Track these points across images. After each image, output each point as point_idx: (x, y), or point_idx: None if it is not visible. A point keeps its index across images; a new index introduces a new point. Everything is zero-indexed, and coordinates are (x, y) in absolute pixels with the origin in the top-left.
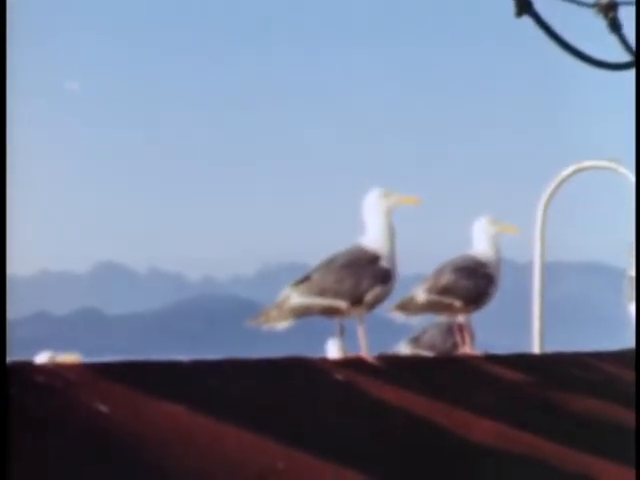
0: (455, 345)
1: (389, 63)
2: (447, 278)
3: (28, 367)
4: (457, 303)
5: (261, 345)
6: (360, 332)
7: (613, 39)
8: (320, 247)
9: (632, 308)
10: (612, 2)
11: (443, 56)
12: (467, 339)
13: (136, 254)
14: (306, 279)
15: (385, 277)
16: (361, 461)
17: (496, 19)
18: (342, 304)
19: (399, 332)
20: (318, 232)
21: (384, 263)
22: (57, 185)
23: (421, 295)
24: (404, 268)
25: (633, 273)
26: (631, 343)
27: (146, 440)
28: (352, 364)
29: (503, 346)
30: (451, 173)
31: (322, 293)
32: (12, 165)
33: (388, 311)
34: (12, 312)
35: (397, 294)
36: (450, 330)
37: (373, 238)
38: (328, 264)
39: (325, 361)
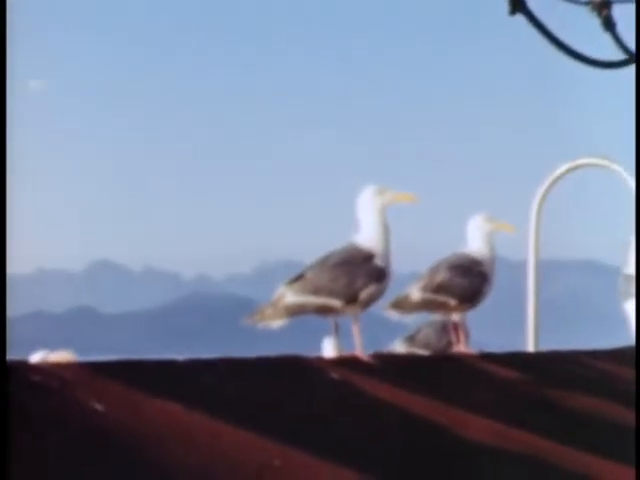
0: (450, 343)
1: (385, 62)
2: (442, 276)
3: (24, 366)
4: (452, 301)
5: (257, 343)
6: (355, 330)
7: (607, 37)
8: (316, 245)
9: (627, 306)
10: (606, 0)
11: (438, 55)
12: (462, 337)
13: (132, 253)
14: (300, 277)
15: (380, 275)
16: (357, 459)
17: (490, 17)
18: (337, 303)
19: (394, 330)
20: (314, 230)
21: (378, 261)
22: (52, 184)
23: (416, 293)
24: (399, 266)
25: (628, 271)
26: (626, 341)
27: (142, 439)
28: (347, 363)
29: (498, 344)
30: (446, 171)
31: (316, 292)
32: (7, 164)
33: (383, 309)
34: (7, 310)
35: (392, 292)
36: (445, 328)
37: (367, 236)
38: (322, 262)
39: (320, 360)
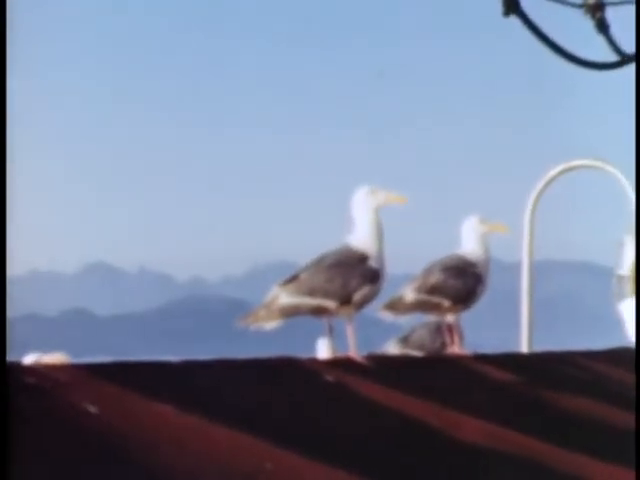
0: (444, 345)
1: (379, 64)
2: (436, 277)
3: (18, 368)
4: (446, 302)
5: (251, 345)
6: (349, 332)
7: (601, 39)
8: (309, 246)
9: (621, 307)
10: (599, 2)
11: (433, 56)
12: (456, 339)
13: (125, 254)
14: (294, 279)
15: (374, 277)
16: (350, 461)
17: (484, 18)
18: (331, 304)
19: (388, 332)
20: (307, 231)
21: (372, 263)
22: (45, 185)
23: (410, 294)
24: (393, 267)
25: (622, 271)
26: (620, 342)
27: (136, 440)
28: (341, 364)
29: (492, 345)
30: (440, 172)
31: (310, 293)
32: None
33: (377, 311)
34: (6, 312)
35: (386, 293)
36: (439, 330)
37: (361, 237)
38: (316, 264)
39: (314, 361)
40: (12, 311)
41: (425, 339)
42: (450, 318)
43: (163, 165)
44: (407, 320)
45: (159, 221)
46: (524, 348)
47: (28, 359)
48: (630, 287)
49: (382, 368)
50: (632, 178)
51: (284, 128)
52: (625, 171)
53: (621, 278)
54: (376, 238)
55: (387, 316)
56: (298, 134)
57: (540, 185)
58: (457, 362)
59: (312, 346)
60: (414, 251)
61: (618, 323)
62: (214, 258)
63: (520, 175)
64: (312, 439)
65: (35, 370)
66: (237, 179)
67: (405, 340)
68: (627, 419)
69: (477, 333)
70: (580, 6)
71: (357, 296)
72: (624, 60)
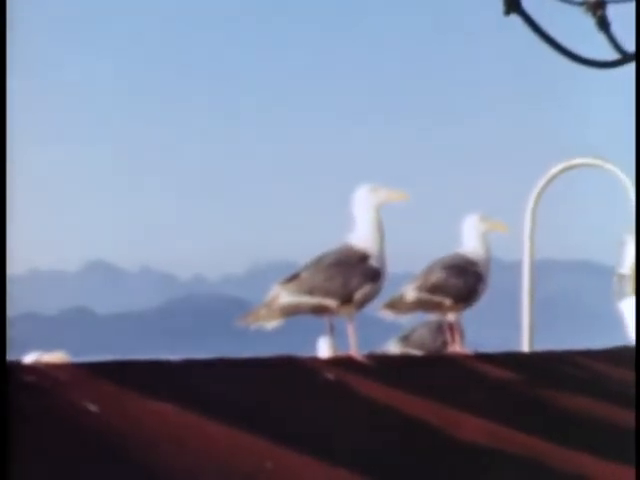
0: (445, 344)
1: (378, 62)
2: (437, 276)
3: (18, 367)
4: (447, 301)
5: (251, 344)
6: (350, 331)
7: (601, 37)
8: (310, 245)
9: (622, 306)
10: (600, 0)
11: (433, 55)
12: (457, 337)
13: (126, 253)
14: (295, 277)
15: (374, 275)
16: (351, 460)
17: (485, 16)
18: (331, 303)
19: (389, 331)
20: (308, 230)
21: (373, 261)
22: (45, 184)
23: (411, 293)
24: (393, 266)
25: (622, 270)
26: (620, 341)
27: (135, 439)
28: (342, 363)
29: (493, 344)
30: (441, 171)
31: (311, 292)
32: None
33: (377, 310)
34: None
35: (386, 292)
36: (440, 328)
37: (362, 236)
38: (317, 262)
39: (315, 360)
40: (12, 310)
41: (426, 338)
42: (451, 317)
43: (164, 164)
44: (408, 319)
45: (160, 220)
46: (525, 347)
47: (29, 358)
48: (631, 286)
49: (383, 367)
50: (633, 176)
51: (285, 127)
52: (626, 169)
53: (622, 277)
54: (377, 237)
55: (388, 315)
56: (299, 133)
57: (541, 183)
58: (458, 361)
59: (313, 345)
60: (415, 250)
61: (618, 322)
62: (214, 257)
63: (521, 173)
64: (312, 438)
65: (35, 369)
66: (238, 178)
67: (406, 339)
68: (627, 418)
69: (478, 332)
70: (581, 4)
71: (358, 295)
72: (625, 58)
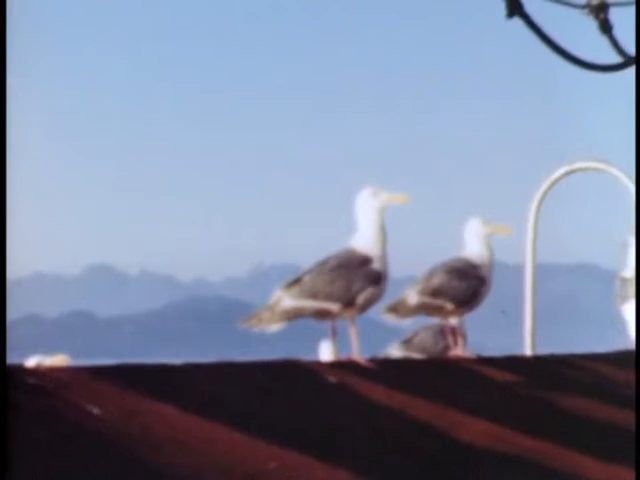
0: (447, 347)
1: (380, 65)
2: (439, 280)
3: (21, 370)
4: (449, 305)
5: (254, 347)
6: (352, 334)
7: (604, 40)
8: (312, 248)
9: (624, 309)
10: (603, 3)
11: (436, 57)
12: (459, 341)
13: (127, 256)
14: (297, 281)
15: (377, 279)
16: (354, 463)
17: (488, 20)
18: (334, 306)
19: (391, 334)
20: (310, 233)
21: (376, 265)
22: (46, 187)
23: (413, 297)
24: (396, 270)
25: (625, 274)
26: (623, 344)
27: (138, 442)
28: (344, 366)
29: (495, 347)
30: (443, 174)
31: (314, 295)
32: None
33: (380, 313)
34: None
35: (389, 296)
36: (442, 332)
37: (364, 239)
38: (319, 266)
39: (317, 363)
40: (14, 312)
41: (428, 342)
42: (453, 320)
43: (165, 166)
44: (410, 323)
45: (161, 223)
46: (527, 350)
47: (31, 361)
48: (633, 289)
49: (385, 371)
50: (634, 180)
51: (287, 130)
52: (628, 173)
53: (625, 280)
54: (379, 240)
55: (390, 319)
56: (301, 136)
57: (544, 187)
58: (460, 364)
59: (315, 348)
60: (417, 253)
61: (621, 325)
62: (216, 260)
63: (523, 177)
64: (315, 441)
65: (37, 372)
66: (239, 181)
67: (408, 343)
68: (629, 420)
69: (480, 335)
70: (583, 7)
71: (360, 298)
72: (627, 61)
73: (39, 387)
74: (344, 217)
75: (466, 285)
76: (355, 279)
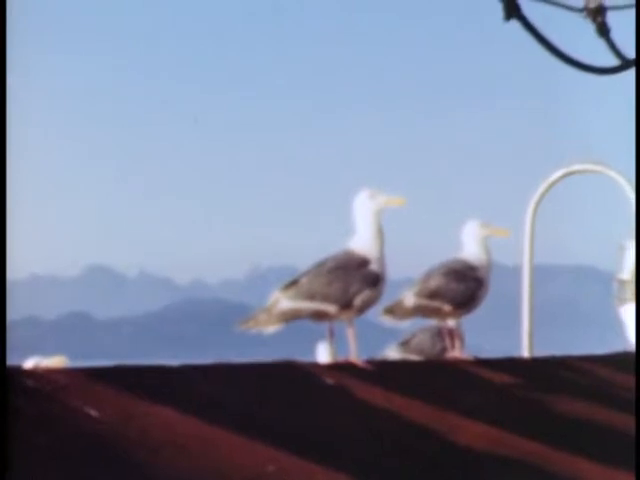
0: (444, 349)
1: (379, 67)
2: (436, 282)
3: (19, 372)
4: (446, 307)
5: (251, 349)
6: (350, 336)
7: (601, 43)
8: (310, 250)
9: (622, 311)
10: (600, 6)
11: (433, 60)
12: (456, 343)
13: (125, 258)
14: (295, 283)
15: (374, 281)
16: (351, 465)
17: (485, 21)
18: (331, 308)
19: (388, 336)
20: (308, 235)
21: (373, 267)
22: (45, 188)
23: (410, 299)
24: (393, 272)
25: (623, 276)
26: (620, 346)
27: (136, 444)
28: (342, 368)
29: (492, 349)
30: (441, 176)
31: (311, 297)
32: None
33: (377, 315)
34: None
35: (386, 298)
36: (439, 334)
37: (362, 241)
38: (317, 268)
39: (315, 365)
40: (12, 314)
41: (425, 344)
42: (451, 322)
43: (163, 168)
44: (407, 325)
45: (159, 224)
46: (525, 352)
47: (29, 362)
48: (631, 291)
49: (382, 372)
50: (633, 182)
51: (285, 132)
52: (626, 175)
53: (622, 282)
54: (377, 242)
55: (387, 320)
56: (299, 137)
57: (541, 189)
58: (457, 366)
59: (312, 350)
60: (415, 255)
61: (618, 327)
62: (214, 262)
63: (521, 179)
64: (313, 443)
65: (35, 373)
66: (237, 183)
67: (405, 344)
68: (627, 423)
69: (478, 336)
70: (581, 10)
71: (358, 300)
72: (625, 64)
73: (36, 389)
74: (342, 219)
75: (464, 287)
76: (353, 281)
